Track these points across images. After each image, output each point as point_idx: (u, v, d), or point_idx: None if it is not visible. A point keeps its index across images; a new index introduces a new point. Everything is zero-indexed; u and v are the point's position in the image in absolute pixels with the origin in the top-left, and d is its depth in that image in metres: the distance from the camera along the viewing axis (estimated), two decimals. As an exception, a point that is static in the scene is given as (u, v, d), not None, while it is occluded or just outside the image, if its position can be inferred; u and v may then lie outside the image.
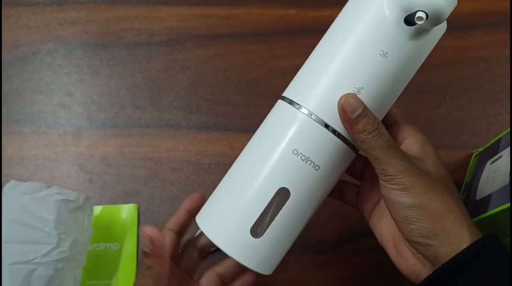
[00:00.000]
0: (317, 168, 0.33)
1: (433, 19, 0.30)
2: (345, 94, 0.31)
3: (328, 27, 0.35)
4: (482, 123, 0.55)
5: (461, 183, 0.52)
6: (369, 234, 0.38)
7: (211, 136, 0.54)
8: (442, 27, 0.33)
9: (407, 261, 0.34)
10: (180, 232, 0.38)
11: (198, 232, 0.41)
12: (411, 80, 0.34)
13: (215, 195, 0.36)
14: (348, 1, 0.34)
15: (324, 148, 0.32)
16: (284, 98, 0.34)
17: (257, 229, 0.33)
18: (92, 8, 0.58)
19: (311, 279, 0.50)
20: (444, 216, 0.31)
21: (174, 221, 0.38)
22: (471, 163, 0.52)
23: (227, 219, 0.33)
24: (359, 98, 0.31)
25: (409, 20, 0.31)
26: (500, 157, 0.44)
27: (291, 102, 0.33)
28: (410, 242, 0.32)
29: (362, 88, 0.32)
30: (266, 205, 0.32)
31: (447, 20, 0.32)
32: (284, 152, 0.32)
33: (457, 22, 0.58)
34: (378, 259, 0.43)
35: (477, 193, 0.46)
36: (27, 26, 0.58)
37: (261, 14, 0.58)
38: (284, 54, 0.57)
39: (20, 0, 0.58)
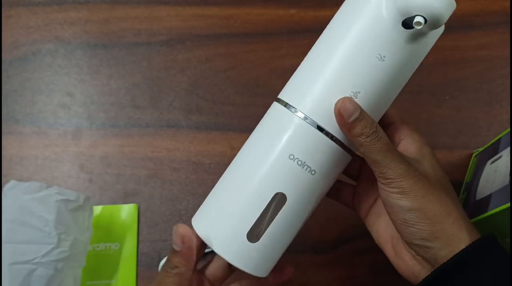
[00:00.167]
0: (313, 172, 0.32)
1: (432, 24, 0.30)
2: (341, 98, 0.31)
3: (333, 22, 0.34)
4: (482, 123, 0.55)
5: (461, 183, 0.52)
6: (369, 234, 0.38)
7: (211, 136, 0.54)
8: (440, 29, 0.33)
9: (406, 262, 0.34)
10: None
11: None
12: (410, 80, 0.34)
13: (211, 197, 0.35)
14: (344, 2, 0.34)
15: (320, 152, 0.32)
16: (279, 101, 0.34)
17: (254, 234, 0.32)
18: (92, 8, 0.58)
19: (311, 279, 0.50)
20: (443, 218, 0.31)
21: None
22: (471, 163, 0.52)
23: (224, 223, 0.33)
24: (355, 102, 0.31)
25: (407, 23, 0.30)
26: (500, 157, 0.44)
27: (286, 105, 0.33)
28: (409, 244, 0.32)
29: (359, 92, 0.31)
30: (262, 210, 0.32)
31: (447, 20, 0.32)
32: (280, 157, 0.32)
33: (457, 22, 0.58)
34: (378, 259, 0.43)
35: (477, 193, 0.46)
36: (27, 26, 0.58)
37: (261, 14, 0.58)
38: (284, 54, 0.57)
39: (20, 0, 0.58)
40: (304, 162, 0.32)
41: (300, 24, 0.58)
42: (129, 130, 0.54)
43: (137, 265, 0.50)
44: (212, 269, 0.38)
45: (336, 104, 0.31)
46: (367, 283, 0.50)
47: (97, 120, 0.54)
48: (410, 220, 0.31)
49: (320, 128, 0.32)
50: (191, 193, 0.52)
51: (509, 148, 0.43)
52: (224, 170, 0.35)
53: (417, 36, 0.31)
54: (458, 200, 0.34)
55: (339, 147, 0.33)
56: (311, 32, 0.57)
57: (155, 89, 0.56)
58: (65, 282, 0.42)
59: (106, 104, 0.55)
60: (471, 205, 0.46)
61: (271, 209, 0.32)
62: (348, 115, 0.31)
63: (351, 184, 0.40)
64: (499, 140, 0.47)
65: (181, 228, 0.33)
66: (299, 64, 0.35)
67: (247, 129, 0.53)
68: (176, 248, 0.33)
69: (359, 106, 0.31)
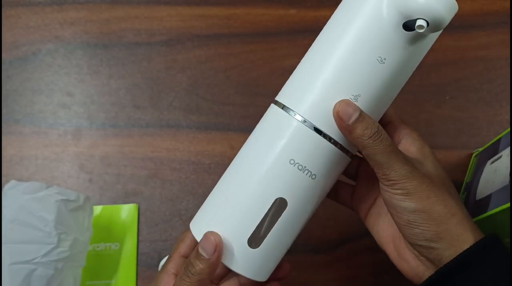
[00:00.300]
0: (314, 176, 0.32)
1: (434, 27, 0.30)
2: (339, 101, 0.31)
3: (331, 23, 0.34)
4: (482, 123, 0.55)
5: (461, 183, 0.52)
6: (369, 234, 0.38)
7: (211, 136, 0.54)
8: None
9: (409, 263, 0.33)
10: None
11: None
12: (411, 81, 0.34)
13: (210, 201, 0.35)
14: (342, 2, 0.33)
15: (320, 155, 0.32)
16: (277, 103, 0.33)
17: (254, 240, 0.32)
18: (92, 8, 0.58)
19: (311, 279, 0.50)
20: (447, 219, 0.31)
21: None
22: (471, 163, 0.52)
23: (224, 228, 0.32)
24: (353, 104, 0.31)
25: (409, 26, 0.30)
26: (500, 157, 0.44)
27: (284, 107, 0.32)
28: (413, 245, 0.32)
29: (359, 95, 0.31)
30: (263, 215, 0.32)
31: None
32: (281, 161, 0.32)
33: (457, 22, 0.57)
34: (378, 259, 0.43)
35: (477, 193, 0.46)
36: (27, 26, 0.58)
37: (261, 14, 0.58)
38: (284, 54, 0.57)
39: (20, 0, 0.58)
40: (305, 167, 0.32)
41: (300, 24, 0.58)
42: (129, 130, 0.54)
43: (137, 265, 0.50)
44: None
45: (334, 107, 0.31)
46: (367, 283, 0.50)
47: (97, 120, 0.54)
48: (414, 222, 0.31)
49: (318, 131, 0.31)
50: (191, 193, 0.52)
51: (509, 148, 0.43)
52: (224, 170, 0.35)
53: (418, 38, 0.31)
54: (460, 200, 0.34)
55: (338, 149, 0.32)
56: (311, 32, 0.57)
57: (155, 89, 0.56)
58: (65, 282, 0.42)
59: (106, 104, 0.55)
60: (471, 205, 0.46)
61: (271, 214, 0.32)
62: (347, 117, 0.30)
63: (350, 184, 0.40)
64: (499, 140, 0.47)
65: (215, 237, 0.32)
66: (299, 64, 0.34)
67: (247, 129, 0.53)
68: (205, 255, 0.32)
69: (358, 108, 0.31)
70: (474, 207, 0.45)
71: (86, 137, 0.54)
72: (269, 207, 0.32)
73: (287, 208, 0.32)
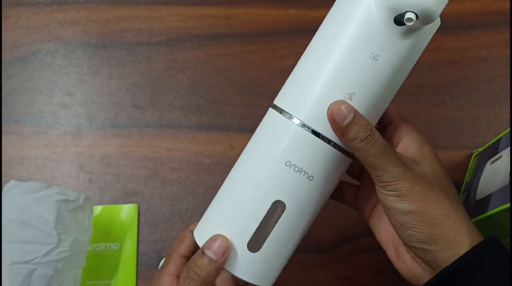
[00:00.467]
0: (311, 178, 0.32)
1: (424, 19, 0.29)
2: (333, 102, 0.30)
3: (324, 25, 0.34)
4: (482, 123, 0.55)
5: (461, 183, 0.52)
6: (369, 234, 0.38)
7: (211, 136, 0.54)
8: (436, 23, 0.32)
9: (407, 264, 0.33)
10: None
11: None
12: (410, 80, 0.34)
13: (211, 208, 0.35)
14: (335, 3, 0.33)
15: (317, 157, 0.32)
16: (275, 107, 0.33)
17: (255, 243, 0.32)
18: (92, 8, 0.58)
19: (311, 279, 0.50)
20: (442, 221, 0.31)
21: None
22: (471, 163, 0.52)
23: (224, 233, 0.33)
24: (349, 105, 0.30)
25: (399, 20, 0.29)
26: (500, 157, 0.44)
27: (282, 111, 0.32)
28: (408, 246, 0.32)
29: (353, 94, 0.31)
30: (261, 219, 0.32)
31: (446, 19, 0.31)
32: (276, 164, 0.32)
33: (457, 22, 0.58)
34: (378, 259, 0.43)
35: (477, 193, 0.46)
36: (27, 26, 0.58)
37: (261, 14, 0.58)
38: (284, 54, 0.57)
39: (20, 0, 0.58)
40: (301, 168, 0.31)
41: (300, 24, 0.58)
42: (129, 130, 0.54)
43: (137, 265, 0.50)
44: (219, 283, 0.38)
45: (328, 108, 0.31)
46: (367, 283, 0.50)
47: (97, 120, 0.54)
48: (408, 223, 0.31)
49: (316, 134, 0.31)
50: (191, 193, 0.52)
51: (509, 148, 0.43)
52: (224, 170, 0.35)
53: (411, 33, 0.30)
54: (460, 201, 0.33)
55: (337, 151, 0.32)
56: (311, 32, 0.57)
57: (155, 89, 0.56)
58: (65, 282, 0.42)
59: (106, 104, 0.55)
60: (471, 205, 0.46)
61: (270, 218, 0.32)
62: (341, 119, 0.30)
63: (354, 184, 0.40)
64: (499, 140, 0.47)
65: (225, 240, 0.32)
66: (299, 64, 0.34)
67: (247, 129, 0.53)
68: (214, 258, 0.32)
69: (353, 109, 0.30)
70: (474, 207, 0.45)
71: (86, 137, 0.54)
72: (267, 210, 0.32)
73: (285, 211, 0.32)
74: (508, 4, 0.58)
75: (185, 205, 0.52)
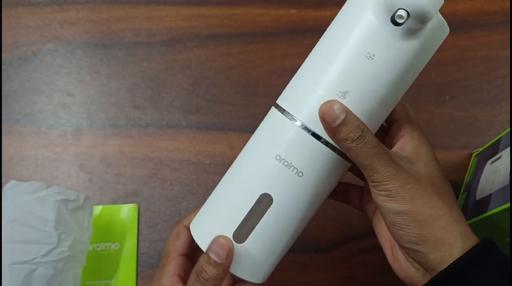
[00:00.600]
0: (300, 174, 0.32)
1: (417, 17, 0.29)
2: (325, 102, 0.30)
3: (328, 27, 0.34)
4: (482, 123, 0.55)
5: (461, 183, 0.52)
6: (370, 234, 0.38)
7: (211, 136, 0.54)
8: (443, 29, 0.32)
9: (401, 264, 0.33)
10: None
11: None
12: (410, 81, 0.34)
13: (206, 203, 0.36)
14: (342, 8, 0.33)
15: (308, 154, 0.32)
16: (277, 107, 0.33)
17: (241, 235, 0.32)
18: (92, 8, 0.58)
19: (311, 279, 0.50)
20: (433, 222, 0.30)
21: None
22: (471, 163, 0.52)
23: (212, 224, 0.33)
24: (341, 105, 0.30)
25: (394, 19, 0.29)
26: (500, 157, 0.44)
27: (284, 111, 0.33)
28: (401, 246, 0.32)
29: (347, 92, 0.30)
30: (248, 210, 0.32)
31: (446, 19, 0.31)
32: (266, 157, 0.32)
33: (457, 22, 0.58)
34: (378, 259, 0.43)
35: (477, 193, 0.46)
36: (27, 26, 0.58)
37: (261, 14, 0.58)
38: (284, 54, 0.57)
39: (20, 0, 0.58)
40: (291, 163, 0.32)
41: (300, 24, 0.58)
42: (129, 130, 0.54)
43: (137, 265, 0.50)
44: None
45: (320, 108, 0.30)
46: (367, 283, 0.50)
47: (97, 120, 0.54)
48: (398, 223, 0.31)
49: (316, 136, 0.31)
50: (191, 193, 0.52)
51: (509, 148, 0.43)
52: (224, 169, 0.35)
53: (412, 34, 0.30)
54: (455, 201, 0.33)
55: (336, 154, 0.32)
56: (311, 32, 0.58)
57: (155, 89, 0.56)
58: (65, 282, 0.42)
59: (106, 104, 0.55)
60: (471, 205, 0.46)
61: (258, 210, 0.32)
62: (332, 120, 0.30)
63: (359, 186, 0.39)
64: (499, 140, 0.47)
65: (228, 241, 0.32)
66: (299, 64, 0.34)
67: (247, 129, 0.53)
68: (218, 260, 0.32)
69: (345, 109, 0.30)
70: (474, 207, 0.45)
71: (86, 137, 0.54)
72: (254, 202, 0.32)
73: (272, 205, 0.32)
74: (508, 4, 0.58)
75: (185, 205, 0.52)
